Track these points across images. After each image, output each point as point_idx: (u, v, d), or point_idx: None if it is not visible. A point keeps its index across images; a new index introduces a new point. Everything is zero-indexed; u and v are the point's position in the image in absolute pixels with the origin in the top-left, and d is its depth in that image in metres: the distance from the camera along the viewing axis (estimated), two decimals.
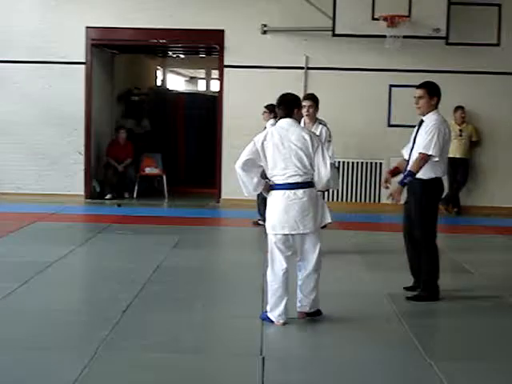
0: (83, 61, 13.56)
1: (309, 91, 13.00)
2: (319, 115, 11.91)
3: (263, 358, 5.36)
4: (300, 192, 6.08)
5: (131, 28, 13.42)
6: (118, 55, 15.59)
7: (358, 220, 12.31)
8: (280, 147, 6.12)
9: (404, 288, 7.33)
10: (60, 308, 6.69)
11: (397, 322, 6.40)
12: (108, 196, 13.96)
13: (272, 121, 10.19)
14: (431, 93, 7.02)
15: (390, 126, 13.12)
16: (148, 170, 14.54)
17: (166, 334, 5.92)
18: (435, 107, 7.04)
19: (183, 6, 13.34)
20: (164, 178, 14.45)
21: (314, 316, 6.39)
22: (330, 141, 9.03)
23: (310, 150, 6.11)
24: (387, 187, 7.25)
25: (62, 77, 13.43)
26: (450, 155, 12.90)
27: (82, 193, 13.60)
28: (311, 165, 6.11)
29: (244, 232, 10.78)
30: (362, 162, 13.42)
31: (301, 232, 6.13)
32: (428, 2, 12.35)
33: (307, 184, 6.12)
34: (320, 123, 9.20)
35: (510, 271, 8.84)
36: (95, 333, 5.85)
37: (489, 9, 13.03)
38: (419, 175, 6.91)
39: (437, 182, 7.02)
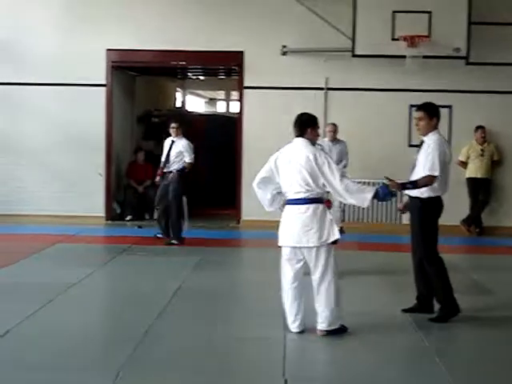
0: (104, 83, 13.65)
1: (329, 112, 13.14)
2: (339, 135, 12.06)
3: (286, 381, 5.31)
4: (303, 207, 6.37)
5: (151, 50, 13.50)
6: (138, 77, 15.68)
7: (377, 241, 12.24)
8: (288, 165, 6.46)
9: (402, 310, 7.32)
10: (81, 330, 6.68)
11: (419, 341, 6.35)
12: (128, 217, 13.99)
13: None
14: (431, 114, 7.17)
15: (410, 146, 13.05)
16: None
17: (189, 356, 5.90)
18: (435, 127, 7.17)
19: (202, 27, 13.39)
20: (184, 199, 14.42)
21: (335, 333, 6.42)
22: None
23: (315, 168, 6.35)
24: (403, 212, 7.41)
25: (82, 99, 13.51)
26: (472, 175, 13.02)
27: (103, 214, 13.62)
28: (316, 183, 6.35)
29: (264, 253, 10.72)
30: (382, 183, 13.31)
31: (304, 245, 6.38)
32: (448, 21, 12.34)
33: (311, 200, 6.38)
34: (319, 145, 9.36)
35: None
36: (117, 354, 5.85)
37: (509, 28, 13.01)
38: (417, 194, 7.05)
39: (435, 200, 7.07)
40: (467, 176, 13.09)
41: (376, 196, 6.37)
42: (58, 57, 13.52)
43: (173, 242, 11.40)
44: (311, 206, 6.36)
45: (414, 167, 7.19)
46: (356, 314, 7.11)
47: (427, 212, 7.07)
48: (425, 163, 6.95)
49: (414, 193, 7.12)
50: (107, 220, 13.68)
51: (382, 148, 13.19)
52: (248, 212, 13.21)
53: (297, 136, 6.58)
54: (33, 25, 13.64)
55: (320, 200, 6.42)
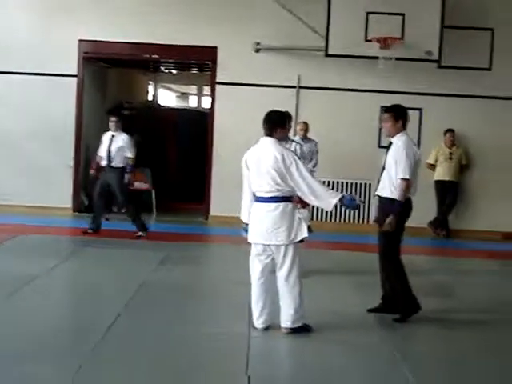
0: (75, 74, 13.53)
1: (300, 110, 13.14)
2: (310, 134, 12.05)
3: (249, 377, 5.31)
4: (273, 205, 6.40)
5: (124, 42, 13.41)
6: (110, 69, 15.58)
7: (344, 240, 12.27)
8: (257, 165, 6.46)
9: (367, 310, 7.36)
10: (43, 322, 6.63)
11: (382, 341, 6.38)
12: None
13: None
14: (397, 116, 7.25)
15: (380, 147, 13.09)
16: (137, 185, 14.48)
17: (150, 351, 5.85)
18: (402, 129, 7.23)
19: (177, 21, 13.31)
20: (153, 192, 14.41)
21: (299, 331, 6.44)
22: (306, 158, 9.17)
23: (282, 168, 6.33)
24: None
25: (53, 89, 13.37)
26: (440, 178, 13.11)
27: (70, 206, 13.52)
28: (285, 182, 6.35)
29: (232, 249, 10.71)
30: (352, 183, 13.41)
31: (273, 243, 6.41)
32: (421, 24, 12.37)
33: (281, 198, 6.39)
34: (292, 141, 9.33)
35: (493, 295, 8.77)
36: (79, 348, 5.81)
37: (481, 33, 13.11)
38: (386, 195, 7.13)
39: (405, 202, 7.08)
40: (435, 178, 13.18)
41: (341, 202, 6.40)
42: (29, 46, 13.36)
43: (140, 234, 11.34)
44: (281, 205, 6.38)
45: (383, 169, 7.25)
46: (321, 313, 7.13)
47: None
48: (395, 167, 7.01)
49: (382, 193, 7.19)
50: (74, 212, 13.57)
51: (352, 148, 13.23)
52: (216, 208, 13.18)
53: (266, 135, 6.54)
54: (5, 14, 13.46)
55: (289, 199, 6.42)
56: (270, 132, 6.52)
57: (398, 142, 7.14)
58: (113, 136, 11.56)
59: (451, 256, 11.67)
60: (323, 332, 6.57)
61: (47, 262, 9.19)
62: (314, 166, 12.35)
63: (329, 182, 13.12)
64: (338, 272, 9.42)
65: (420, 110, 13.24)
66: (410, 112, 12.70)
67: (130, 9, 13.35)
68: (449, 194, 13.15)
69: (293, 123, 12.66)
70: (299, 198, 6.57)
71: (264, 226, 6.41)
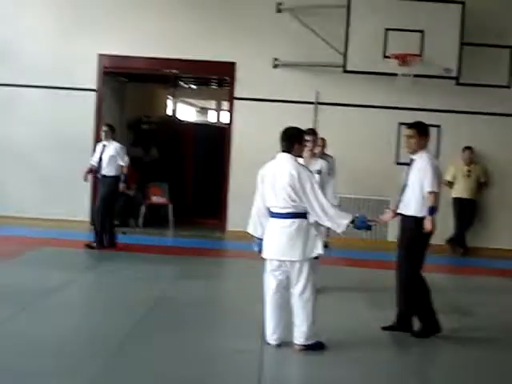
0: (94, 88, 13.63)
1: (318, 126, 13.10)
2: (328, 150, 12.02)
3: None
4: (289, 221, 6.38)
5: (143, 57, 13.49)
6: (129, 83, 15.67)
7: (361, 257, 12.23)
8: (272, 181, 6.45)
9: (382, 328, 7.31)
10: (58, 335, 6.66)
11: (397, 359, 6.34)
12: (116, 223, 13.95)
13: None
14: (421, 133, 7.26)
15: (398, 163, 13.07)
16: (155, 199, 14.56)
17: (164, 366, 5.86)
18: (425, 146, 7.25)
19: (196, 37, 13.40)
20: (170, 207, 14.46)
21: (312, 349, 6.41)
22: (330, 174, 9.04)
23: (297, 185, 6.32)
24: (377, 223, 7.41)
25: (72, 103, 13.48)
26: (458, 195, 13.04)
27: (88, 219, 13.58)
28: (300, 198, 6.34)
29: (248, 264, 10.69)
30: (370, 199, 13.39)
31: (288, 259, 6.41)
32: (440, 41, 12.37)
33: (296, 215, 6.38)
34: (320, 158, 9.16)
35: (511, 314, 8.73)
36: (93, 361, 5.82)
37: (500, 50, 13.10)
38: (412, 213, 7.09)
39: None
40: (453, 196, 13.12)
41: (353, 223, 6.42)
42: (50, 60, 13.50)
43: (92, 245, 11.38)
44: (296, 221, 6.37)
45: (404, 186, 7.21)
46: (335, 329, 7.11)
47: (420, 231, 7.05)
48: (421, 182, 7.00)
49: (406, 211, 7.14)
50: (92, 225, 13.60)
51: (369, 164, 13.21)
52: (233, 223, 13.18)
53: (283, 151, 6.54)
54: (27, 28, 13.62)
55: (305, 215, 6.40)
56: (287, 148, 6.51)
57: (422, 158, 7.13)
58: (104, 145, 11.57)
59: (469, 274, 11.58)
60: (337, 349, 6.54)
61: (64, 275, 9.26)
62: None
63: (346, 198, 13.11)
64: (352, 289, 9.39)
65: (438, 126, 13.20)
66: (429, 129, 13.05)
67: (150, 24, 13.45)
68: (467, 211, 13.08)
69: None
70: None
71: (279, 242, 6.40)
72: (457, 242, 13.03)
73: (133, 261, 10.60)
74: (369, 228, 6.63)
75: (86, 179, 11.77)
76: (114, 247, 11.44)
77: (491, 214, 13.43)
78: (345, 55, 12.51)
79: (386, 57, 12.39)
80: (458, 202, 13.10)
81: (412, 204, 7.10)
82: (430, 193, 6.99)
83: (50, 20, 13.62)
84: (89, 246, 11.37)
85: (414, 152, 7.25)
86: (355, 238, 13.03)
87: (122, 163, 11.62)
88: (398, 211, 7.30)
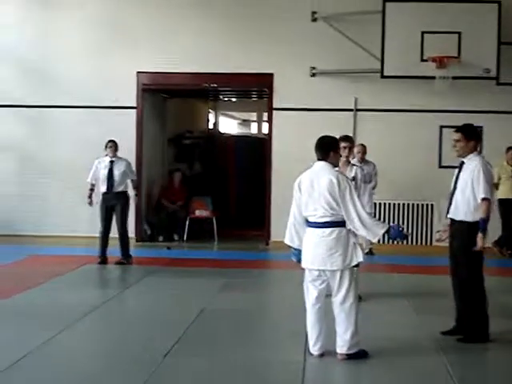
0: (134, 105, 13.77)
1: (358, 133, 13.10)
2: (369, 156, 11.97)
3: None
4: (328, 231, 6.34)
5: (181, 73, 13.62)
6: (169, 99, 15.80)
7: (408, 262, 12.11)
8: (310, 190, 6.41)
9: (441, 332, 7.20)
10: (103, 351, 6.77)
11: (443, 367, 6.25)
12: (161, 238, 14.09)
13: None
14: (468, 136, 7.10)
15: (440, 167, 12.95)
16: (198, 213, 14.63)
17: (207, 379, 5.88)
18: (475, 149, 7.11)
19: (232, 50, 13.50)
20: (214, 220, 14.52)
21: (355, 358, 6.36)
22: (366, 181, 8.98)
23: (337, 192, 6.28)
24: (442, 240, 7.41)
25: (113, 121, 13.63)
26: (503, 196, 12.85)
27: (133, 235, 13.68)
28: (339, 206, 6.29)
29: (292, 274, 10.65)
30: (413, 204, 13.29)
31: (328, 268, 6.36)
32: (477, 42, 12.27)
33: (335, 223, 6.34)
34: (354, 165, 9.05)
35: None
36: (136, 376, 5.85)
37: None
38: (463, 218, 6.96)
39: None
40: (499, 197, 12.91)
41: (387, 233, 6.36)
42: (89, 79, 13.74)
43: (123, 261, 11.42)
44: (336, 230, 6.34)
45: (454, 189, 7.10)
46: (380, 338, 7.06)
47: (474, 235, 6.89)
48: (473, 188, 6.88)
49: (457, 215, 7.03)
50: (137, 241, 13.74)
51: (411, 169, 13.10)
52: (277, 233, 13.16)
53: (319, 159, 6.52)
54: (65, 47, 13.88)
55: (344, 223, 6.36)
56: (323, 156, 6.49)
57: (473, 161, 6.99)
58: (112, 161, 11.54)
59: None
60: (381, 357, 6.47)
61: (108, 291, 9.41)
62: (374, 188, 12.32)
63: (389, 204, 13.07)
64: (397, 295, 9.29)
65: (480, 128, 12.99)
66: None
67: (186, 40, 13.62)
68: None
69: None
70: None
71: (319, 252, 6.36)
72: (504, 243, 12.83)
73: (177, 275, 10.66)
74: (403, 237, 6.56)
75: (91, 203, 11.59)
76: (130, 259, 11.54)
77: None
78: (382, 60, 12.47)
79: (423, 60, 12.35)
80: (503, 204, 12.90)
81: (462, 208, 6.97)
82: (483, 199, 6.82)
83: (88, 39, 13.85)
84: (120, 263, 11.41)
85: (462, 155, 7.11)
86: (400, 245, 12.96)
87: (133, 177, 11.77)
88: (449, 216, 7.17)
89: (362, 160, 12.28)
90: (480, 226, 6.85)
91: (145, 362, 6.23)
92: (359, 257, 6.39)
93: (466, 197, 6.92)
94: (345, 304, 6.38)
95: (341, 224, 6.35)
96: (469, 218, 6.91)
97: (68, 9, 13.90)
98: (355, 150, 12.40)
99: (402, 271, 11.22)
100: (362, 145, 12.43)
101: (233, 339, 7.12)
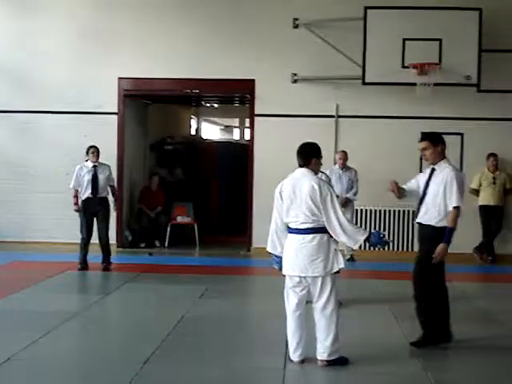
0: (116, 111, 13.73)
1: (339, 139, 13.14)
2: (350, 162, 12.04)
3: None
4: (309, 237, 6.33)
5: (163, 78, 13.59)
6: (151, 105, 15.77)
7: (389, 269, 12.12)
8: (292, 196, 6.39)
9: (410, 344, 7.16)
10: (80, 358, 6.72)
11: (421, 372, 6.26)
12: (142, 244, 14.04)
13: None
14: (434, 142, 7.14)
15: (421, 173, 12.95)
16: (179, 219, 14.59)
17: None
18: (443, 154, 7.15)
19: (214, 56, 13.48)
20: (195, 226, 14.48)
21: (336, 364, 6.36)
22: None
23: (319, 198, 6.27)
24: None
25: (94, 127, 13.58)
26: (484, 203, 12.93)
27: (114, 242, 13.62)
28: (320, 212, 6.28)
29: (273, 281, 10.62)
30: (395, 210, 13.31)
31: (310, 275, 6.35)
32: (459, 49, 12.32)
33: (317, 230, 6.33)
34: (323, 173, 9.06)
35: None
36: (115, 383, 5.80)
37: None
38: (431, 223, 7.00)
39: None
40: (480, 203, 13.01)
41: (368, 240, 6.36)
42: (69, 85, 13.69)
43: (109, 267, 11.44)
44: (317, 236, 6.33)
45: (424, 195, 7.12)
46: (361, 344, 7.07)
47: (440, 240, 6.93)
48: (444, 195, 6.92)
49: (425, 220, 7.07)
50: (118, 247, 13.68)
51: (392, 176, 12.96)
52: (259, 239, 13.15)
53: (300, 166, 6.52)
54: (46, 54, 13.81)
55: (325, 229, 6.34)
56: (305, 162, 6.49)
57: (445, 169, 7.03)
58: (95, 167, 11.46)
59: (497, 282, 11.45)
60: (360, 364, 6.47)
61: (88, 298, 9.38)
62: (355, 195, 12.39)
63: (370, 210, 13.11)
64: (378, 301, 9.30)
65: (461, 134, 13.14)
66: (452, 137, 12.93)
67: (168, 46, 13.59)
68: (494, 218, 12.96)
69: (332, 153, 12.78)
70: None
71: (300, 258, 6.35)
72: (485, 249, 12.90)
73: (158, 281, 10.62)
74: (384, 244, 6.55)
75: (79, 209, 11.45)
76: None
77: None
78: (363, 67, 12.50)
79: (404, 67, 12.37)
80: (484, 210, 12.98)
81: (432, 214, 7.01)
82: (455, 208, 6.89)
83: (69, 45, 13.80)
84: (107, 269, 11.40)
85: (433, 162, 7.15)
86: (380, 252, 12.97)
87: (114, 183, 11.76)
88: (417, 221, 7.24)
89: (344, 166, 12.37)
90: (445, 235, 6.89)
91: (124, 369, 6.19)
92: (340, 263, 6.39)
93: (437, 204, 6.95)
94: (326, 310, 6.38)
95: (322, 230, 6.34)
96: (438, 224, 6.96)
97: (50, 15, 13.84)
98: (337, 156, 12.51)
99: (382, 277, 11.23)
100: (344, 151, 12.51)
101: (213, 346, 7.09)
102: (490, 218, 12.94)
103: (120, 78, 13.66)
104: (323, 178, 8.59)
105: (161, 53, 13.61)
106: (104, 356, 6.80)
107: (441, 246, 6.87)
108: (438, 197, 6.97)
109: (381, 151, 13.18)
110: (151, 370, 6.21)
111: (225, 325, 8.03)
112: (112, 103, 13.72)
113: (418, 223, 7.29)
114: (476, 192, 13.04)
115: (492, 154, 13.02)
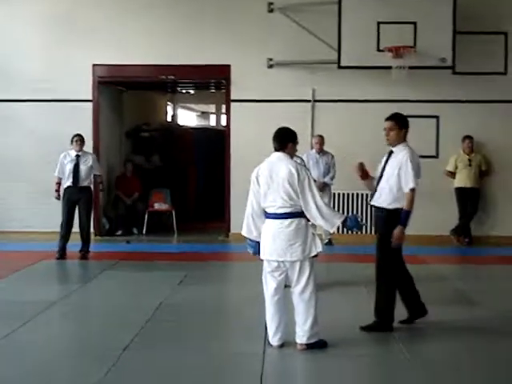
0: (90, 98, 13.63)
1: (316, 124, 13.12)
2: (327, 147, 12.05)
3: None
4: (287, 222, 6.33)
5: (138, 65, 13.49)
6: (126, 92, 15.67)
7: (367, 252, 12.12)
8: (269, 181, 6.38)
9: (399, 322, 7.23)
10: (60, 347, 6.71)
11: (400, 354, 6.30)
12: (119, 232, 13.99)
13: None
14: (401, 125, 7.15)
15: None
16: (157, 206, 14.55)
17: (166, 373, 5.85)
18: (404, 139, 7.14)
19: (189, 41, 13.39)
20: (173, 213, 14.45)
21: (315, 347, 6.38)
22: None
23: (296, 182, 6.27)
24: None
25: (69, 114, 13.45)
26: (460, 185, 13.00)
27: (92, 230, 13.53)
28: (298, 196, 6.29)
29: (252, 266, 10.64)
30: (370, 194, 13.31)
31: (288, 259, 6.36)
32: (433, 31, 12.29)
33: (294, 214, 6.33)
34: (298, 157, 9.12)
35: None
36: (94, 371, 5.81)
37: (495, 37, 13.04)
38: (384, 205, 7.00)
39: (401, 211, 6.93)
40: (456, 186, 13.07)
41: (344, 223, 6.39)
42: (44, 72, 13.52)
43: (87, 255, 11.45)
44: (295, 220, 6.33)
45: (380, 177, 7.12)
46: (340, 327, 7.10)
47: (392, 223, 6.93)
48: (399, 177, 6.89)
49: (379, 203, 7.05)
50: (96, 236, 13.59)
51: (369, 159, 13.02)
52: (237, 225, 13.05)
53: (276, 150, 6.52)
54: (19, 40, 13.63)
55: (302, 214, 6.35)
56: (281, 147, 6.49)
57: (402, 151, 7.02)
58: (78, 156, 11.44)
59: (474, 263, 11.53)
60: (340, 346, 6.51)
61: (66, 287, 9.36)
62: (332, 179, 12.41)
63: (347, 194, 13.14)
64: (356, 284, 9.32)
65: (437, 117, 13.18)
66: (427, 120, 12.99)
67: (142, 32, 13.47)
68: (470, 200, 13.02)
69: (309, 137, 12.80)
70: None
71: (278, 243, 6.35)
72: (462, 231, 12.98)
73: (136, 269, 10.61)
74: (360, 228, 6.65)
75: (59, 197, 11.43)
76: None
77: (494, 202, 13.35)
78: (338, 51, 12.46)
79: (379, 50, 12.35)
80: (460, 192, 13.05)
81: (384, 196, 7.00)
82: (411, 190, 6.86)
83: (42, 32, 13.62)
84: (85, 257, 11.37)
85: (393, 144, 7.14)
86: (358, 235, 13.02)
87: (99, 173, 11.74)
88: (371, 203, 7.23)
89: (321, 150, 12.40)
90: (402, 218, 6.87)
91: (104, 356, 6.19)
92: (318, 247, 6.40)
93: (390, 185, 6.95)
94: (304, 294, 6.40)
95: (300, 215, 6.35)
96: (390, 206, 6.94)
97: (23, 2, 13.66)
98: (314, 140, 12.52)
99: (360, 261, 11.25)
100: (320, 136, 12.52)
101: (192, 332, 7.09)
102: (467, 200, 13.00)
103: (94, 65, 13.54)
104: (298, 161, 8.62)
105: (135, 39, 13.48)
106: (83, 344, 6.79)
107: (397, 229, 6.85)
108: (392, 178, 6.96)
109: (357, 135, 13.18)
110: (130, 357, 6.20)
111: (203, 311, 8.03)
112: (86, 90, 13.60)
113: (372, 206, 7.29)
114: (452, 174, 13.10)
115: (467, 137, 13.07)
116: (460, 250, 12.75)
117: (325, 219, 6.31)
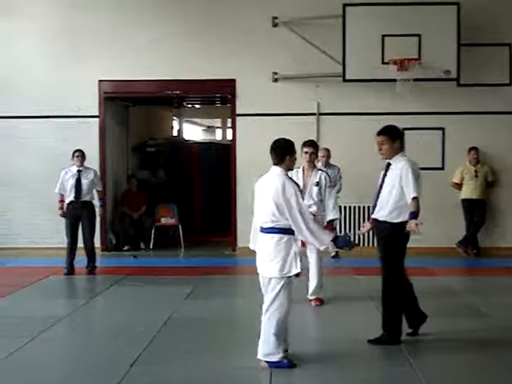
0: (96, 114, 13.67)
1: (321, 137, 13.13)
2: (333, 160, 12.02)
3: None
4: (269, 237, 6.29)
5: (143, 80, 13.54)
6: (132, 107, 15.72)
7: (373, 265, 12.11)
8: (260, 195, 6.39)
9: (407, 334, 7.23)
10: (67, 362, 6.71)
11: (408, 368, 6.28)
12: (126, 247, 13.99)
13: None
14: (392, 137, 7.05)
15: None
16: (163, 221, 14.57)
17: None
18: (400, 150, 7.06)
19: (194, 57, 13.45)
20: (180, 228, 14.46)
21: (277, 367, 6.24)
22: (331, 186, 8.98)
23: (282, 199, 6.18)
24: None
25: (75, 130, 13.51)
26: (467, 197, 12.98)
27: (98, 245, 13.55)
28: (282, 214, 6.19)
29: (257, 280, 10.66)
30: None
31: (264, 275, 6.34)
32: (437, 44, 12.36)
33: (275, 230, 6.25)
34: (319, 170, 9.19)
35: None
36: None
37: (499, 49, 13.06)
38: (387, 219, 6.93)
39: (404, 225, 6.86)
40: (462, 197, 13.06)
41: (335, 242, 6.30)
42: (50, 89, 13.58)
43: (94, 271, 11.46)
44: (275, 236, 6.24)
45: (379, 192, 7.06)
46: (345, 340, 7.09)
47: (396, 237, 6.90)
48: (404, 188, 6.82)
49: (381, 216, 6.99)
50: (103, 251, 13.61)
51: (374, 172, 13.04)
52: (243, 239, 13.12)
53: (275, 164, 6.40)
54: (25, 57, 13.71)
55: (286, 231, 6.23)
56: (279, 160, 6.37)
57: (400, 162, 6.94)
58: (79, 171, 11.47)
59: (482, 275, 11.48)
60: (348, 360, 6.49)
61: (74, 302, 9.38)
62: (338, 192, 12.35)
63: (354, 207, 13.13)
64: (363, 297, 9.28)
65: (442, 129, 13.19)
66: (433, 132, 13.00)
67: (148, 48, 13.52)
68: (477, 212, 13.02)
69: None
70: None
71: (260, 257, 6.37)
72: (469, 243, 12.95)
73: (143, 284, 10.59)
74: (351, 246, 6.44)
75: (64, 214, 11.41)
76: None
77: (501, 214, 13.35)
78: (343, 64, 12.52)
79: (384, 63, 12.39)
80: (467, 204, 13.04)
81: (386, 209, 6.94)
82: (413, 199, 6.78)
83: (48, 48, 13.71)
84: (92, 273, 11.40)
85: (388, 157, 7.08)
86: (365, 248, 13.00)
87: (100, 188, 11.74)
88: (373, 216, 7.13)
89: (327, 164, 12.36)
90: (410, 215, 6.75)
91: (112, 371, 6.20)
92: (298, 267, 6.24)
93: (392, 198, 6.88)
94: (267, 313, 6.32)
95: (281, 231, 6.24)
96: (393, 219, 6.90)
97: (28, 18, 13.72)
98: (319, 154, 12.48)
99: (367, 273, 11.23)
100: (326, 149, 12.49)
101: (201, 347, 7.08)
102: (473, 211, 13.00)
103: (100, 81, 13.60)
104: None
105: (140, 54, 13.54)
106: (91, 359, 6.78)
107: (412, 223, 6.72)
108: (393, 191, 6.90)
109: (363, 147, 13.11)
110: (139, 372, 6.20)
111: (212, 325, 8.03)
112: (92, 106, 13.65)
113: (373, 219, 7.16)
114: (458, 186, 13.10)
115: (473, 148, 13.07)
116: (468, 261, 12.71)
117: (314, 236, 6.22)
